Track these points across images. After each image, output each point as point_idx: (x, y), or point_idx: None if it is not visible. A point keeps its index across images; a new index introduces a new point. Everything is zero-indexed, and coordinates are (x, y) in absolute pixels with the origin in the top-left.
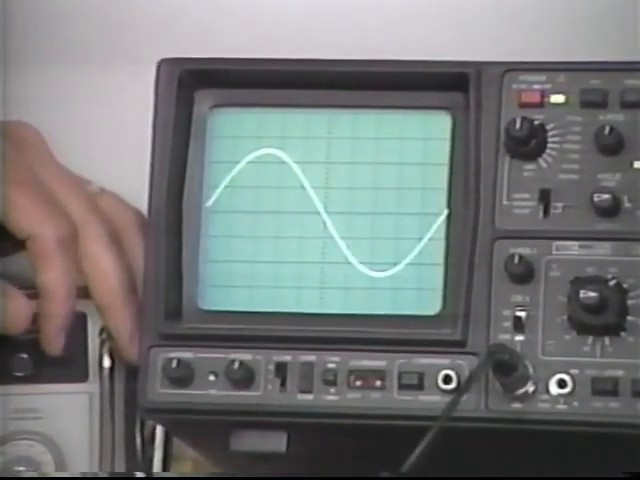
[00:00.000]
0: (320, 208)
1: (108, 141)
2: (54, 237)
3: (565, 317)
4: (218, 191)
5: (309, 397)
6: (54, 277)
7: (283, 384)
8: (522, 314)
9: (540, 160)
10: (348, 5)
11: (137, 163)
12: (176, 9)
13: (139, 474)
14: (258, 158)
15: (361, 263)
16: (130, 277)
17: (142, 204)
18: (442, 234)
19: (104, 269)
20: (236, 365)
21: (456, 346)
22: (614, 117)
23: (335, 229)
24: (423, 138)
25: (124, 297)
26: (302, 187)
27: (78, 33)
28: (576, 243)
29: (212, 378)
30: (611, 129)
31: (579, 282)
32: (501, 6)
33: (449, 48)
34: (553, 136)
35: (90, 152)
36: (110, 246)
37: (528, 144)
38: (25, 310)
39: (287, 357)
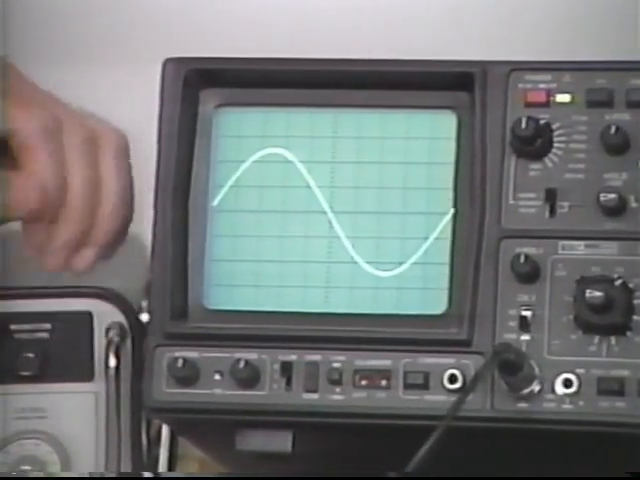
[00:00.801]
0: (325, 207)
1: None
2: (39, 128)
3: (571, 317)
4: (224, 190)
5: (314, 396)
6: (42, 166)
7: (288, 383)
8: (528, 313)
9: (546, 160)
10: (352, 5)
11: (140, 161)
12: (178, 9)
13: (146, 474)
14: (263, 157)
15: (366, 262)
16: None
17: (143, 201)
18: (448, 233)
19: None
20: (241, 364)
21: (462, 345)
22: (620, 117)
23: (340, 228)
24: (429, 137)
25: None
26: (307, 186)
27: (78, 32)
28: (582, 243)
29: (217, 377)
30: (617, 129)
31: (585, 282)
32: (500, 6)
33: (448, 48)
34: (559, 136)
35: None
36: (84, 154)
37: (534, 144)
38: (33, 185)
39: (292, 356)
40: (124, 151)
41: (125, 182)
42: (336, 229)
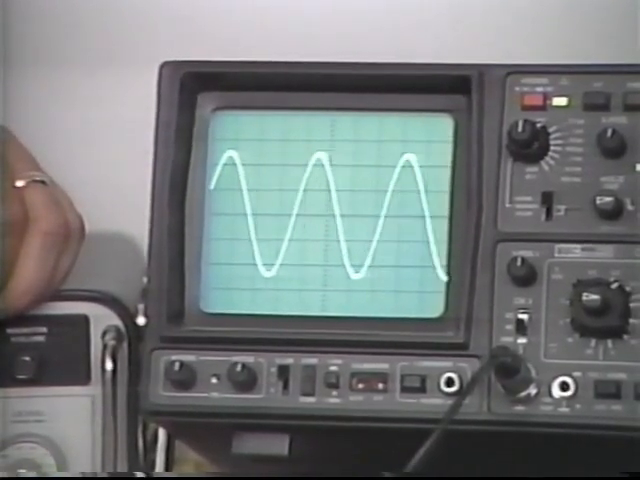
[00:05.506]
0: (323, 210)
1: (107, 142)
2: None
3: (568, 320)
4: (217, 193)
5: (311, 400)
6: None
7: (285, 387)
8: (524, 317)
9: (542, 163)
10: (349, 8)
11: (137, 164)
12: (175, 11)
13: (139, 474)
14: (259, 160)
15: (359, 266)
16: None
17: (140, 204)
18: (445, 236)
19: None
20: (238, 368)
21: (458, 349)
22: (617, 120)
23: (337, 231)
24: (425, 141)
25: None
26: (304, 190)
27: (77, 34)
28: (578, 246)
29: (214, 381)
30: (613, 132)
31: (582, 285)
32: (498, 9)
33: (445, 51)
34: (555, 139)
35: (90, 152)
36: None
37: (530, 147)
38: None
39: (289, 360)
40: (56, 237)
41: (44, 268)
42: (332, 232)
